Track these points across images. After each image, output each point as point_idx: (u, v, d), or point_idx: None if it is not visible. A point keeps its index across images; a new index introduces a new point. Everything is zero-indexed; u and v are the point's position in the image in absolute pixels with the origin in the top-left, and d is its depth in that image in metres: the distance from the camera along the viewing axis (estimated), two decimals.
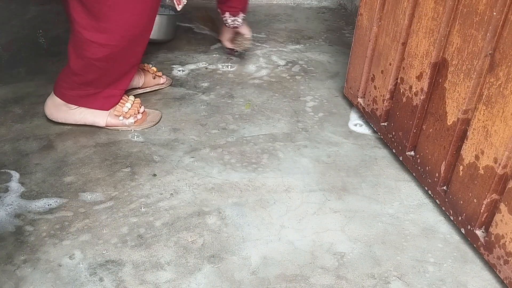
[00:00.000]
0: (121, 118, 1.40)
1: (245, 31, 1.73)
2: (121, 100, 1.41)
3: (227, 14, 1.65)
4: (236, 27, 1.69)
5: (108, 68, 1.29)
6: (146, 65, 1.59)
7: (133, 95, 1.46)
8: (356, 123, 1.41)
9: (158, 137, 1.39)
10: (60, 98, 1.35)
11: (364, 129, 1.45)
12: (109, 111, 1.39)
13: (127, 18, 1.21)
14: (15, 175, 1.22)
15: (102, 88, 1.34)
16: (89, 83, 1.31)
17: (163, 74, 1.62)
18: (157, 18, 1.61)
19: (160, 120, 1.46)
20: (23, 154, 1.29)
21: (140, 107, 1.43)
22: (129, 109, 1.40)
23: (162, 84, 1.61)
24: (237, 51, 1.81)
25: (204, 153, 1.34)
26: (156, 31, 1.72)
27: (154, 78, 1.58)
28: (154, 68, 1.59)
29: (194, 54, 1.83)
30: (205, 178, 1.25)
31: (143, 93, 1.56)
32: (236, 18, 1.65)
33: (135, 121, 1.41)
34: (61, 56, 1.75)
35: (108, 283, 0.97)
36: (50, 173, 1.24)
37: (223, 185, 1.23)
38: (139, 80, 1.54)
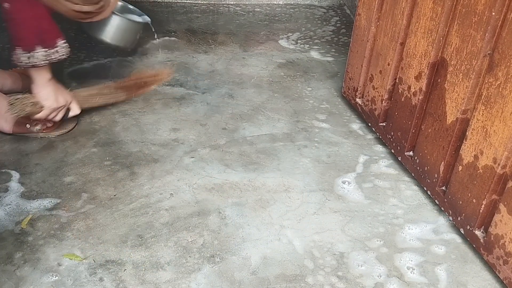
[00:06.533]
0: (27, 125, 1.32)
1: (40, 95, 1.24)
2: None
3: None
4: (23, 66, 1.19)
5: None
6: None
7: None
8: (344, 180, 1.26)
9: (158, 137, 1.39)
10: None
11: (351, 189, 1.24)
12: (15, 117, 1.29)
13: None
14: (15, 175, 1.22)
15: None
16: None
17: None
18: (117, 20, 1.52)
19: (74, 127, 1.39)
20: (23, 154, 1.29)
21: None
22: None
23: None
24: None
25: (204, 153, 1.34)
26: (112, 34, 1.57)
27: None
28: None
29: (194, 54, 1.84)
30: (205, 178, 1.26)
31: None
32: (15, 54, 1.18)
33: (43, 128, 1.34)
34: None
35: (108, 283, 0.98)
36: (50, 173, 1.24)
37: (223, 185, 1.24)
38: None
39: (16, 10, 1.13)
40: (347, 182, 1.26)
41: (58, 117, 1.31)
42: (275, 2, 2.34)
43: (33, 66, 1.18)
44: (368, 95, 1.42)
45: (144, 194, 1.19)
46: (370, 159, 1.35)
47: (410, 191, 1.25)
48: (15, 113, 1.23)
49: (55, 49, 1.19)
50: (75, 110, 1.35)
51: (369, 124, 1.45)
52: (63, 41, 1.21)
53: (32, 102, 1.24)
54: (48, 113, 1.28)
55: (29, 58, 1.17)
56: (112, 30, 1.56)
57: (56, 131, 1.37)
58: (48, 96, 1.25)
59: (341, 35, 2.07)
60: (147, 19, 1.73)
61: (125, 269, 1.01)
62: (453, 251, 1.09)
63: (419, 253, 1.08)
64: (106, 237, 1.08)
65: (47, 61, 1.19)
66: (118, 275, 0.99)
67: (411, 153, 1.27)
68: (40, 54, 1.17)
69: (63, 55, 1.21)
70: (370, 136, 1.45)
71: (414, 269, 1.04)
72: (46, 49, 1.18)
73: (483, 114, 0.99)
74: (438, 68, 1.13)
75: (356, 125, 1.49)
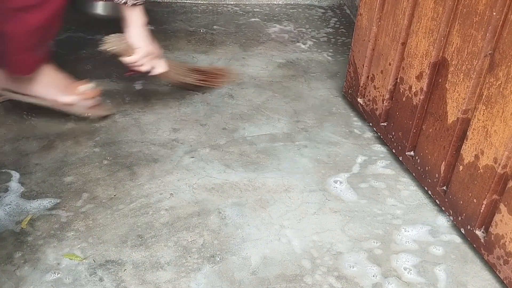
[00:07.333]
0: (76, 98, 1.35)
1: (135, 38, 1.27)
2: (80, 83, 1.36)
3: None
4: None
5: None
6: None
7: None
8: (336, 180, 1.26)
9: (158, 137, 1.39)
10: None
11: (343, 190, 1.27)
12: (66, 91, 1.34)
13: None
14: (15, 175, 1.22)
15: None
16: None
17: None
18: None
19: (110, 114, 1.45)
20: (23, 154, 1.29)
21: (96, 94, 1.39)
22: (86, 91, 1.36)
23: None
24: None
25: (204, 153, 1.34)
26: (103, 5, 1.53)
27: None
28: None
29: (194, 54, 1.83)
30: (205, 178, 1.25)
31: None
32: None
33: (89, 107, 1.39)
34: (62, 56, 1.76)
35: (108, 283, 0.97)
36: (50, 173, 1.24)
37: (223, 185, 1.24)
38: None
39: None
40: (339, 182, 1.26)
41: (145, 67, 1.31)
42: (274, 2, 2.33)
43: (138, 4, 1.22)
44: (369, 95, 1.42)
45: (144, 194, 1.19)
46: (370, 159, 1.35)
47: (407, 191, 1.25)
48: (109, 49, 1.26)
49: None
50: (162, 67, 1.34)
51: (370, 124, 1.45)
52: None
53: (125, 42, 1.26)
54: (138, 57, 1.28)
55: None
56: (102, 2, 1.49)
57: (101, 111, 1.42)
58: (142, 40, 1.26)
59: (341, 35, 2.07)
60: None
61: (125, 269, 1.01)
62: (453, 251, 1.09)
63: (419, 253, 1.08)
64: (106, 237, 1.07)
65: None
66: (118, 275, 0.99)
67: (412, 153, 1.27)
68: None
69: None
70: (370, 136, 1.45)
71: (414, 269, 1.04)
72: None
73: (483, 114, 0.99)
74: (439, 68, 1.13)
75: (357, 125, 1.49)
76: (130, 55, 1.28)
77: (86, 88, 1.37)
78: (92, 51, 1.79)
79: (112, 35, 1.27)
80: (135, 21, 1.25)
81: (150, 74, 1.34)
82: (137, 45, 1.27)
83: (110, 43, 1.26)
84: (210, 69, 1.65)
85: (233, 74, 1.70)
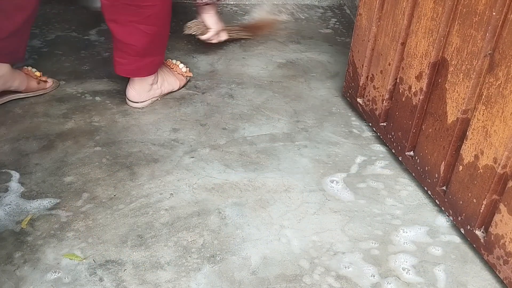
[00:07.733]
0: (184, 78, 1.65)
1: (209, 21, 1.70)
2: (172, 67, 1.63)
3: None
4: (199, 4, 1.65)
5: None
6: (28, 69, 1.51)
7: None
8: (332, 180, 1.27)
9: (158, 137, 1.39)
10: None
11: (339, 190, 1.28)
12: (174, 73, 1.61)
13: None
14: (15, 175, 1.22)
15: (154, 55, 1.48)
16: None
17: (48, 78, 1.55)
18: None
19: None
20: (23, 154, 1.29)
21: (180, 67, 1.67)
22: (182, 68, 1.64)
23: (47, 88, 1.54)
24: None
25: (204, 153, 1.34)
26: None
27: (39, 83, 1.52)
28: (38, 73, 1.52)
29: (194, 54, 1.83)
30: (205, 178, 1.25)
31: (26, 97, 1.50)
32: None
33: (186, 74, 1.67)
34: (60, 57, 1.76)
35: (108, 283, 0.98)
36: (50, 173, 1.24)
37: (223, 185, 1.24)
38: (22, 84, 1.47)
39: None
40: (335, 182, 1.26)
41: (216, 39, 1.76)
42: (274, 2, 2.33)
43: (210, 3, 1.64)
44: (369, 95, 1.42)
45: (144, 194, 1.19)
46: (369, 159, 1.35)
47: (407, 191, 1.25)
48: (192, 33, 1.71)
49: None
50: (224, 36, 1.79)
51: (370, 124, 1.45)
52: None
53: (203, 25, 1.70)
54: (212, 34, 1.72)
55: None
56: None
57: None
58: (215, 22, 1.70)
59: (341, 35, 2.07)
60: None
61: (125, 269, 1.01)
62: (453, 251, 1.09)
63: (419, 253, 1.08)
64: (106, 237, 1.07)
65: None
66: (118, 275, 0.99)
67: (411, 153, 1.27)
68: None
69: None
70: (370, 136, 1.45)
71: (414, 269, 1.04)
72: None
73: (483, 114, 0.99)
74: (438, 68, 1.13)
75: (357, 125, 1.49)
76: (205, 34, 1.71)
77: (182, 66, 1.65)
78: (90, 51, 1.79)
79: (191, 22, 1.71)
80: (211, 11, 1.66)
81: (217, 41, 1.78)
82: (210, 26, 1.70)
83: (191, 28, 1.71)
84: (252, 24, 2.07)
85: (271, 23, 2.08)
